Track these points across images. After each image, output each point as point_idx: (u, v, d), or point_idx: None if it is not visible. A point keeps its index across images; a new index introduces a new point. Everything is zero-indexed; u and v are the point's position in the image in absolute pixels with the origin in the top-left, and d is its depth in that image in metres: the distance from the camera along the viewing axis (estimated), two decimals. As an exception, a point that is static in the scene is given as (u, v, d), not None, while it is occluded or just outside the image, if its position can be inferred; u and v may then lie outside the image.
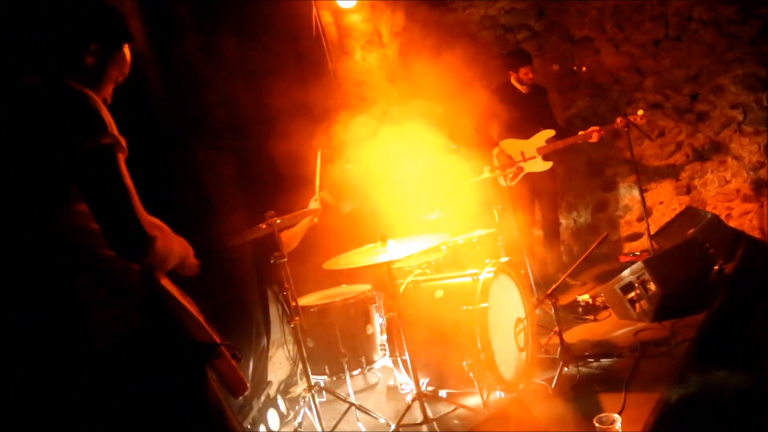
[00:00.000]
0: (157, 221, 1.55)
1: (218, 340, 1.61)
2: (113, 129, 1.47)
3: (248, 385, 1.69)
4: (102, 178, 1.43)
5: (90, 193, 1.44)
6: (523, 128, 4.72)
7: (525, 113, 4.70)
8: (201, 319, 1.60)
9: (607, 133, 4.77)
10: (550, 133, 4.75)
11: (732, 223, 5.00)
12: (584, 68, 4.77)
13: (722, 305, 3.73)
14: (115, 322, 1.48)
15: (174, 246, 1.62)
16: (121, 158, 1.47)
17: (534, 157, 4.75)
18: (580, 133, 4.70)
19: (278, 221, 3.12)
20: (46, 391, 1.44)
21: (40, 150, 1.43)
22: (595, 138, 4.68)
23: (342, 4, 5.07)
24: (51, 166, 1.43)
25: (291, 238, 3.80)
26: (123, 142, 1.48)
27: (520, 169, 4.71)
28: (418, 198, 4.17)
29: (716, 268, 4.04)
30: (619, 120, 4.56)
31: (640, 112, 4.52)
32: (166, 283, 1.59)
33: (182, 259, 1.68)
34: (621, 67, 5.34)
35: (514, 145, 4.78)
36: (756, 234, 4.93)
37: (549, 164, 4.78)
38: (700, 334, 3.41)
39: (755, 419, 2.77)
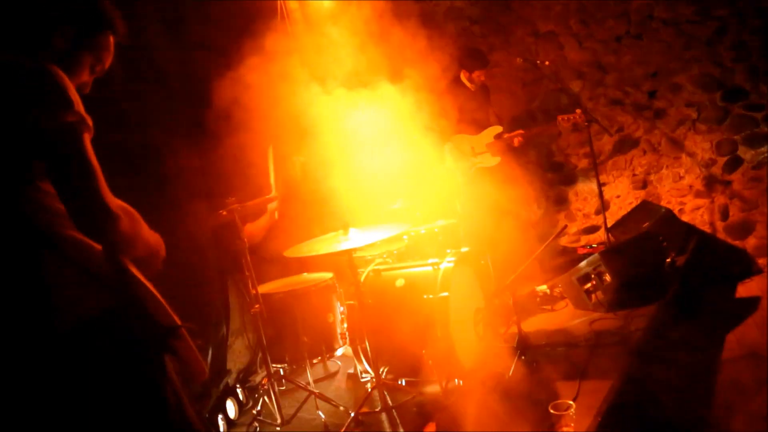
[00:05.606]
0: (126, 206, 1.54)
1: (179, 323, 1.59)
2: (80, 107, 1.46)
3: (207, 371, 1.67)
4: (66, 154, 1.41)
5: (54, 170, 1.43)
6: (472, 124, 4.76)
7: (473, 110, 4.74)
8: (162, 301, 1.58)
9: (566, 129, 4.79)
10: (497, 129, 4.80)
11: (684, 218, 5.15)
12: (547, 62, 4.81)
13: (674, 296, 3.86)
14: (80, 303, 1.46)
15: (143, 233, 1.60)
16: (87, 137, 1.46)
17: (484, 152, 4.80)
18: (505, 135, 4.77)
19: (239, 207, 3.09)
20: (7, 370, 1.41)
21: (4, 126, 1.40)
22: (515, 143, 4.75)
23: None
24: (15, 142, 1.41)
25: (255, 231, 3.77)
26: (89, 121, 1.47)
27: (473, 163, 4.76)
28: (382, 187, 4.16)
29: (669, 260, 4.16)
30: (552, 121, 4.69)
31: (578, 110, 4.60)
32: (129, 266, 1.57)
33: (151, 252, 1.65)
34: (584, 62, 5.42)
35: (464, 141, 4.81)
36: (707, 228, 5.09)
37: (497, 159, 4.81)
38: (653, 323, 3.53)
39: (703, 398, 2.88)
